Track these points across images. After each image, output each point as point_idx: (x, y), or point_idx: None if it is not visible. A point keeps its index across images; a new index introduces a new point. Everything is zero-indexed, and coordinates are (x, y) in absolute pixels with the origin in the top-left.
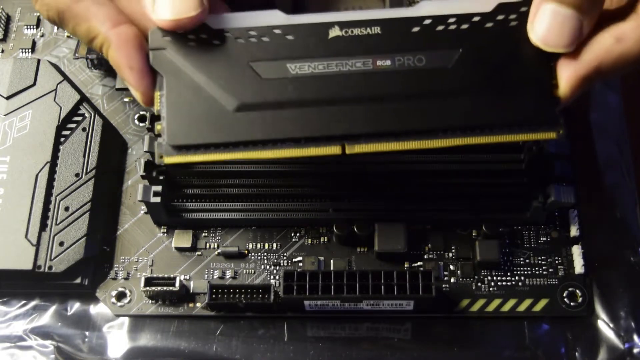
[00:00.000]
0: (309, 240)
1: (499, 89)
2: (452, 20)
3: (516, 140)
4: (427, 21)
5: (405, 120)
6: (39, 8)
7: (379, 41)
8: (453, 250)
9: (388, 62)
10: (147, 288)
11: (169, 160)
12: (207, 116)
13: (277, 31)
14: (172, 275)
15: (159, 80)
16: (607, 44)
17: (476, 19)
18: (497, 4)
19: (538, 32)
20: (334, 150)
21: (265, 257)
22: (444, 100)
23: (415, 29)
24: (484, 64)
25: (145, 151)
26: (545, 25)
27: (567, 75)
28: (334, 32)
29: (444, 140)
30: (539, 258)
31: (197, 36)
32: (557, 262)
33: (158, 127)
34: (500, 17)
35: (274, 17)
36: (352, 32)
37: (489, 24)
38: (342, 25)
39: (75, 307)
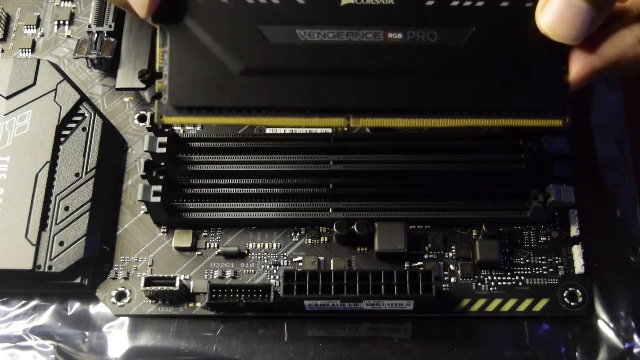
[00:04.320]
0: (309, 240)
1: (508, 72)
2: None
3: (522, 126)
4: None
5: (413, 97)
6: None
7: (391, 12)
8: (453, 250)
9: (399, 36)
10: (147, 288)
11: (169, 120)
12: (211, 78)
13: None
14: (172, 275)
15: (162, 36)
16: (628, 43)
17: None
18: None
19: (548, 20)
20: (338, 122)
21: (265, 257)
22: (453, 79)
23: (430, 2)
24: (496, 45)
25: (146, 151)
26: (557, 15)
27: (582, 66)
28: None
29: (449, 120)
30: (539, 258)
31: None
32: (557, 262)
33: (159, 85)
34: None
35: None
36: (365, 0)
37: (505, 3)
38: None
39: (75, 307)
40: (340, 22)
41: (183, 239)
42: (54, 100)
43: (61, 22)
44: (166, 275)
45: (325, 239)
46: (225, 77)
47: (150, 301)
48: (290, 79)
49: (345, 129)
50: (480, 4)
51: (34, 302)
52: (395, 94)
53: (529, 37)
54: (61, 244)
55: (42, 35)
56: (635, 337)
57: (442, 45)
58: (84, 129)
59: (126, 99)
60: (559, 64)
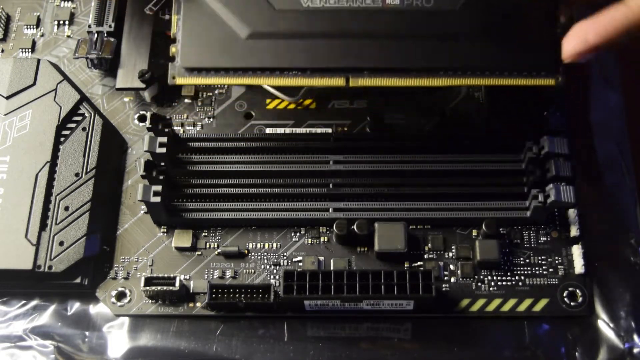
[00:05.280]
0: (309, 240)
1: (502, 34)
2: None
3: (515, 85)
4: None
5: (409, 58)
6: None
7: None
8: (453, 250)
9: (397, 1)
10: (147, 288)
11: (180, 81)
12: (220, 42)
13: None
14: (172, 275)
15: (177, 4)
16: (619, 19)
17: None
18: None
19: None
20: (338, 82)
21: (265, 257)
22: (448, 41)
23: None
24: (490, 9)
25: (146, 151)
26: None
27: (576, 42)
28: None
29: (444, 79)
30: (539, 258)
31: None
32: (557, 262)
33: (173, 49)
34: None
35: None
36: None
37: None
38: None
39: (75, 307)
40: None
41: (183, 239)
42: (54, 100)
43: (61, 22)
44: (166, 275)
45: (325, 239)
46: (233, 41)
47: (150, 301)
48: (293, 42)
49: (347, 87)
50: None
51: (34, 302)
52: (391, 55)
53: (523, 1)
54: (61, 244)
55: (42, 35)
56: (635, 337)
57: (437, 10)
58: (84, 129)
59: (126, 99)
60: (551, 25)
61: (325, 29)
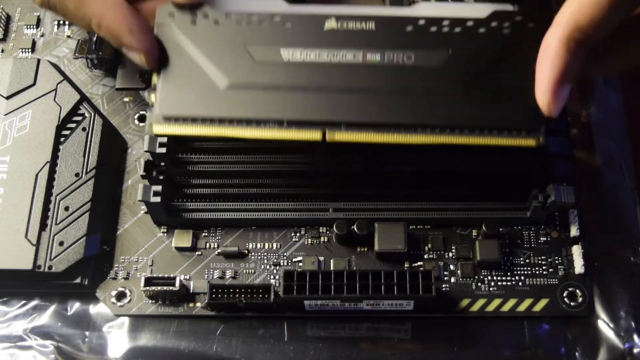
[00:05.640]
0: (309, 240)
1: (483, 92)
2: (446, 22)
3: (495, 144)
4: (422, 22)
5: (387, 113)
6: None
7: (372, 36)
8: (453, 250)
9: (378, 57)
10: (147, 288)
11: (158, 129)
12: (198, 91)
13: (276, 19)
14: (172, 275)
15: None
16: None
17: (470, 23)
18: (492, 11)
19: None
20: (314, 135)
21: (265, 257)
22: (427, 98)
23: (409, 28)
24: (471, 68)
25: (145, 151)
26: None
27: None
28: (330, 24)
29: (422, 137)
30: (539, 258)
31: (199, 16)
32: (557, 262)
33: (152, 97)
34: (493, 24)
35: (277, 5)
36: (347, 25)
37: (482, 30)
38: (339, 18)
39: (75, 307)
40: (323, 44)
41: (183, 239)
42: (54, 100)
43: (61, 22)
44: (166, 275)
45: (325, 239)
46: (212, 91)
47: (150, 301)
48: (271, 94)
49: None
50: (458, 29)
51: (34, 302)
52: (370, 110)
53: (505, 60)
54: (61, 244)
55: (42, 35)
56: (635, 337)
57: (418, 66)
58: (84, 129)
59: (126, 99)
60: (532, 85)
61: (305, 83)
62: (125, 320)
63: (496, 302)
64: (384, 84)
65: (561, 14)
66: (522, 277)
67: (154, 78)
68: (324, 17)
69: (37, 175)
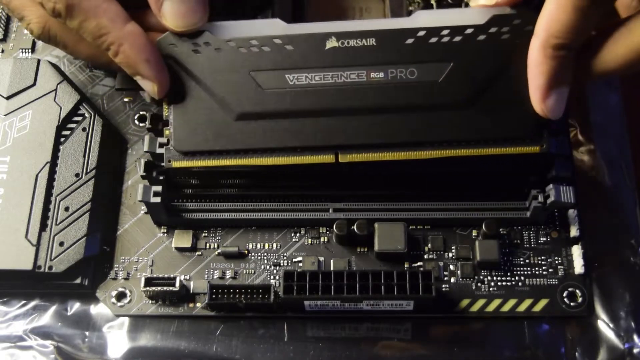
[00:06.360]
0: (309, 240)
1: (486, 103)
2: (445, 32)
3: (502, 154)
4: (421, 33)
5: (395, 132)
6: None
7: (373, 53)
8: (453, 251)
9: (381, 75)
10: (147, 288)
11: (176, 164)
12: (209, 124)
13: (277, 41)
14: (172, 275)
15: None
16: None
17: (469, 31)
18: (491, 16)
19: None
20: (328, 158)
21: (265, 257)
22: (433, 113)
23: (409, 41)
24: (473, 79)
25: (145, 151)
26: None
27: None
28: (331, 43)
29: (431, 152)
30: (539, 258)
31: (201, 45)
32: (557, 262)
33: (166, 132)
34: (493, 30)
35: (275, 27)
36: (348, 43)
37: (482, 37)
38: (339, 36)
39: (75, 307)
40: (326, 64)
41: (183, 239)
42: (54, 100)
43: None
44: (166, 275)
45: (325, 240)
46: (223, 123)
47: (150, 301)
48: (281, 121)
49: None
50: (458, 39)
51: (34, 303)
52: (378, 130)
53: (505, 68)
54: (61, 244)
55: None
56: (635, 337)
57: (421, 81)
58: (84, 129)
59: (126, 99)
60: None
61: (312, 107)
62: (125, 320)
63: (496, 302)
64: (389, 102)
65: (537, 23)
66: (522, 278)
67: (165, 110)
68: (325, 36)
69: (37, 176)
